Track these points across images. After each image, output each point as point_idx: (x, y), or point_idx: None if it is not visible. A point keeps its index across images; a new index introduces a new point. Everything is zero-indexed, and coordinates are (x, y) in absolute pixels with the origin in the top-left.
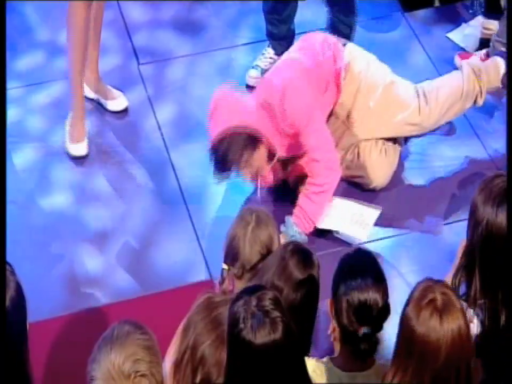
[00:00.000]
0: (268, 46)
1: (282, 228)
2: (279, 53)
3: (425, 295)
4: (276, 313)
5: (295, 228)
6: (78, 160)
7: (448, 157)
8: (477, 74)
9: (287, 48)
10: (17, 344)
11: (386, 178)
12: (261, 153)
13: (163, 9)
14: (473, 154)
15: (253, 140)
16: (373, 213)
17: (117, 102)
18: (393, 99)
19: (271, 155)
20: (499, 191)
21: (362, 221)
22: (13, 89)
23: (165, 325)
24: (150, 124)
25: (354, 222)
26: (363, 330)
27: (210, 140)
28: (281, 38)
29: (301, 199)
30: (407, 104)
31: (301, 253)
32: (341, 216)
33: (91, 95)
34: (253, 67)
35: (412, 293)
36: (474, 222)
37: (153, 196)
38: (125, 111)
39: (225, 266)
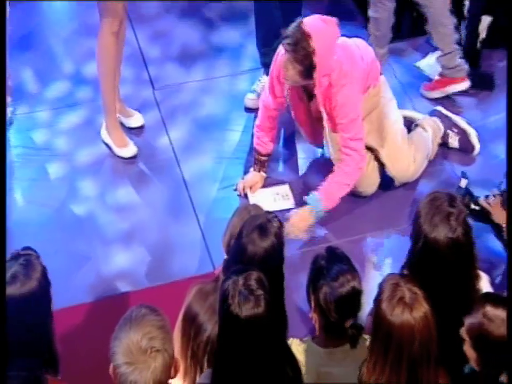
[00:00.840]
0: (263, 73)
1: (306, 198)
2: None
3: (394, 295)
4: (260, 292)
5: (320, 204)
6: (100, 171)
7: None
8: (435, 134)
9: None
10: (44, 320)
11: (373, 188)
12: (300, 79)
13: (174, 43)
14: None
15: (311, 68)
16: (285, 187)
17: (134, 119)
18: (392, 138)
19: (308, 93)
20: (439, 210)
21: (282, 196)
22: (42, 111)
23: (174, 309)
24: (163, 141)
25: (278, 200)
26: (350, 322)
27: (305, 21)
28: None
29: (329, 184)
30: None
31: (259, 217)
32: (266, 200)
33: None
34: (250, 91)
35: (381, 291)
36: (415, 234)
37: (166, 204)
38: (141, 128)
39: None
